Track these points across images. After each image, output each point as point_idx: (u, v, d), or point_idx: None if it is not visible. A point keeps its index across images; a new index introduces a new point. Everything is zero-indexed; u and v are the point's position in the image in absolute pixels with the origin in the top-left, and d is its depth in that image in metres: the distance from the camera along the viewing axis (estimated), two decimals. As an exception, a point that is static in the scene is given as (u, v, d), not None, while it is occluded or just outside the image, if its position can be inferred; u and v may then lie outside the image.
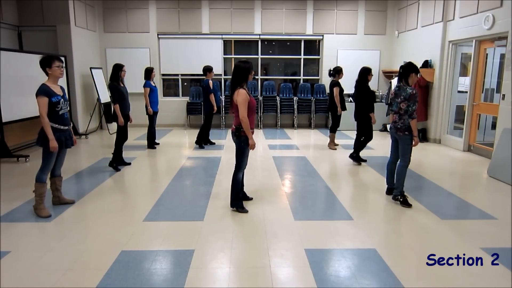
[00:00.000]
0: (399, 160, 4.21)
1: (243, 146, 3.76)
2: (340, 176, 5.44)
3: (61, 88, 3.88)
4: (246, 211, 3.92)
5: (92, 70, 8.72)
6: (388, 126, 4.36)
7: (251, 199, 4.28)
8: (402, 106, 4.07)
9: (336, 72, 7.10)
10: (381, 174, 5.44)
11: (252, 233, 3.43)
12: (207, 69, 7.14)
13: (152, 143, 7.31)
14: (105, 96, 8.97)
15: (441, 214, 3.90)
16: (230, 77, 4.40)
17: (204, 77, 7.20)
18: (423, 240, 3.34)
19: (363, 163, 6.08)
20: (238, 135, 3.73)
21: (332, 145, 7.36)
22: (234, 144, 3.80)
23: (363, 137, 6.14)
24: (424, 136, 8.13)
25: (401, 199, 4.16)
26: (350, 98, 8.26)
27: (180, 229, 3.50)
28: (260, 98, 10.01)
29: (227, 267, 2.81)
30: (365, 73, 6.01)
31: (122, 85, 5.59)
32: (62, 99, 3.76)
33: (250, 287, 2.56)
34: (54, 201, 4.10)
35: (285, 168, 5.77)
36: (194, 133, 9.20)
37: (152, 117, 7.17)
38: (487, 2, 6.23)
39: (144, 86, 6.95)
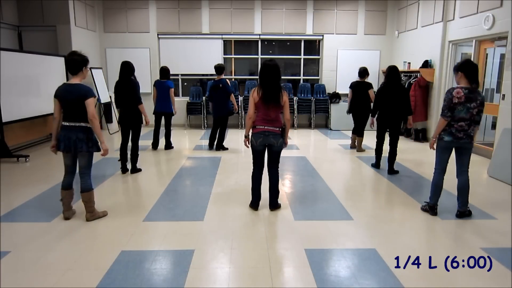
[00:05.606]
0: (462, 173, 3.80)
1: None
2: (340, 176, 5.43)
3: None
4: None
5: (92, 70, 8.69)
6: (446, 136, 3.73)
7: None
8: (475, 112, 3.59)
9: (366, 73, 6.86)
10: (381, 174, 5.45)
11: (252, 233, 3.43)
12: (222, 68, 6.81)
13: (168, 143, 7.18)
14: (105, 96, 8.96)
15: (441, 214, 3.90)
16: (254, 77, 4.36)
17: (215, 76, 6.82)
18: (423, 240, 3.35)
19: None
20: (283, 136, 3.79)
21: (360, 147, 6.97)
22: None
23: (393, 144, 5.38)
24: (424, 136, 8.13)
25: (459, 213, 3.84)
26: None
27: (180, 229, 3.50)
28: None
29: (227, 267, 2.81)
30: (396, 72, 5.52)
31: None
32: None
33: (250, 287, 2.56)
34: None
35: (285, 168, 5.76)
36: (194, 133, 9.23)
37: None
38: (487, 2, 6.23)
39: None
